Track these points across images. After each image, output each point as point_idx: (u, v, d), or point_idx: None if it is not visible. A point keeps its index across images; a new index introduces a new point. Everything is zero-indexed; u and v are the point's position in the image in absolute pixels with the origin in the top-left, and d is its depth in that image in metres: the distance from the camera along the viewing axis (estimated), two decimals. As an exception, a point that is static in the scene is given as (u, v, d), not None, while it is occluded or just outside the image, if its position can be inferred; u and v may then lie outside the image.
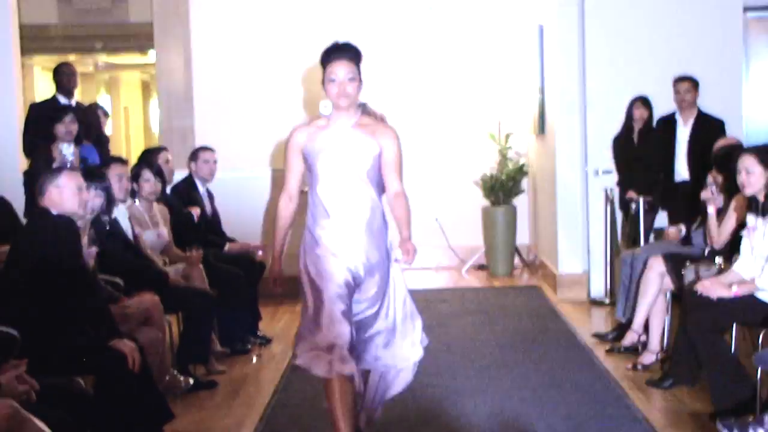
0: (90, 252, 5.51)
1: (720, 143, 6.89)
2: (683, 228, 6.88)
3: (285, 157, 4.76)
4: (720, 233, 6.13)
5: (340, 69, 4.59)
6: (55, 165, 7.33)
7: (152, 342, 5.73)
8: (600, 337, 7.25)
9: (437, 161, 10.58)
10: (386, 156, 4.65)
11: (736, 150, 6.32)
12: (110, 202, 6.10)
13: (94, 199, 5.78)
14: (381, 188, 4.70)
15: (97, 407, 4.54)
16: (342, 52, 4.63)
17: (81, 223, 5.34)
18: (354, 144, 4.63)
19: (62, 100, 8.39)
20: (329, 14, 10.29)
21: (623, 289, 7.05)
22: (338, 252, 4.63)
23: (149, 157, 7.56)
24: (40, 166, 7.34)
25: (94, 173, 6.03)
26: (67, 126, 7.63)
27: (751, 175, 5.45)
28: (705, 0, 8.55)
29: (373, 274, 4.69)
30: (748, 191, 5.49)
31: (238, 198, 9.44)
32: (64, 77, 8.53)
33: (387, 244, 4.75)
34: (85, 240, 5.49)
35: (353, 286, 4.66)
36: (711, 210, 6.24)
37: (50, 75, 9.00)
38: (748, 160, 5.48)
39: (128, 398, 4.77)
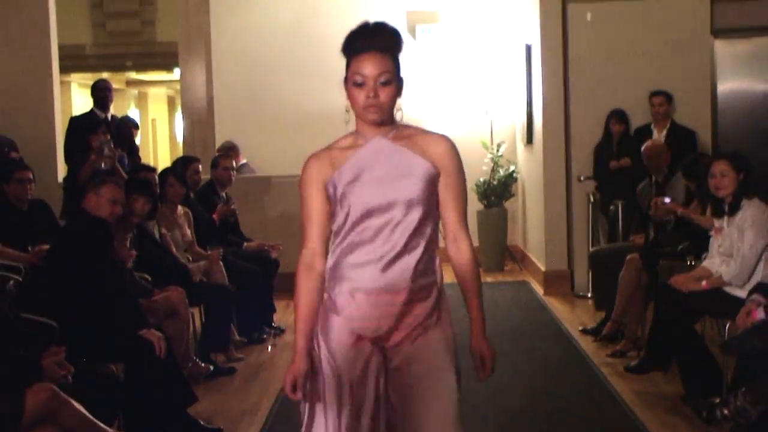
0: (130, 254, 5.56)
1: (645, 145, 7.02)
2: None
3: (301, 200, 2.92)
4: (708, 220, 6.06)
5: (370, 65, 2.82)
6: (94, 158, 7.38)
7: (177, 332, 5.76)
8: (586, 332, 7.19)
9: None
10: (445, 178, 2.88)
11: (702, 158, 6.36)
12: (155, 209, 6.15)
13: (144, 206, 5.86)
14: (434, 227, 2.90)
15: (127, 391, 4.56)
16: (372, 38, 2.85)
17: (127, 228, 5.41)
18: (400, 164, 2.85)
19: (99, 113, 8.42)
20: (342, 31, 10.29)
21: (598, 282, 7.06)
22: (369, 331, 2.83)
23: (178, 165, 7.60)
24: (83, 171, 7.38)
25: (143, 183, 6.07)
26: (100, 137, 7.66)
27: (724, 179, 5.40)
28: (678, 24, 8.57)
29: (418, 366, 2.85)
30: (722, 194, 5.43)
31: (256, 200, 9.46)
32: (100, 93, 8.55)
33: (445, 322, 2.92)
34: (127, 243, 5.55)
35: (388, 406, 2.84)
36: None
37: (85, 91, 9.05)
38: (721, 165, 5.42)
39: (155, 383, 4.80)
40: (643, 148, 7.18)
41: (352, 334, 2.82)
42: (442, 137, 2.93)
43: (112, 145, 7.55)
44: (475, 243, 11.13)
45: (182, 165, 7.57)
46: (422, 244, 2.83)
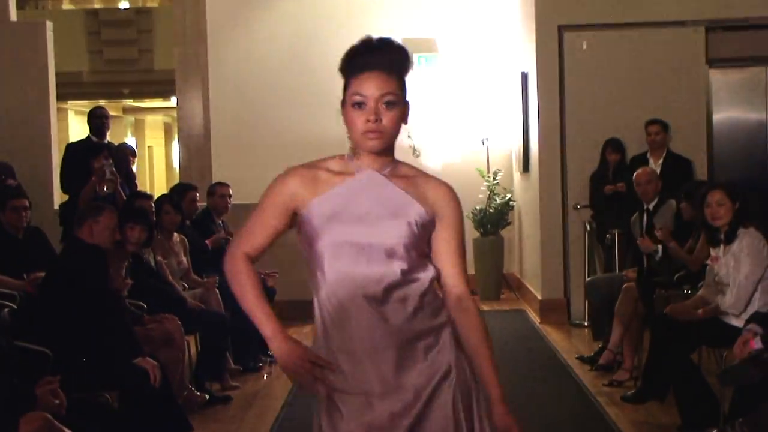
0: (126, 283, 5.55)
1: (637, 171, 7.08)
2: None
3: (258, 207, 2.58)
4: (695, 260, 6.11)
5: (372, 84, 2.47)
6: (95, 180, 7.41)
7: (172, 360, 5.73)
8: (583, 360, 7.17)
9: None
10: (443, 230, 2.55)
11: (702, 185, 6.37)
12: (150, 237, 6.14)
13: (140, 234, 5.84)
14: (428, 271, 2.53)
15: (121, 420, 4.54)
16: (376, 55, 2.50)
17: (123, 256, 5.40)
18: (390, 203, 2.50)
19: (95, 140, 8.43)
20: (338, 60, 10.33)
21: (594, 311, 7.06)
22: (373, 392, 2.45)
23: (174, 192, 7.61)
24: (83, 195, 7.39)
25: (139, 211, 6.07)
26: (101, 160, 7.66)
27: (720, 208, 5.40)
28: (673, 53, 8.62)
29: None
30: (718, 223, 5.44)
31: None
32: (97, 120, 8.56)
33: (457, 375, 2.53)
34: (123, 272, 5.54)
35: None
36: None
37: (82, 118, 9.07)
38: (717, 195, 5.43)
39: (150, 412, 4.78)
40: (635, 174, 7.20)
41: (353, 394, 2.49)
42: (443, 183, 2.61)
43: (114, 169, 7.55)
44: (471, 271, 11.16)
45: (179, 193, 7.58)
46: (415, 295, 2.49)
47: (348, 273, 2.45)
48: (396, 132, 2.52)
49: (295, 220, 2.55)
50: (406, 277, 2.46)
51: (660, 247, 6.51)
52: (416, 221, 2.49)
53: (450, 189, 2.60)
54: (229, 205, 7.93)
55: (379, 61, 2.49)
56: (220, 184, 8.08)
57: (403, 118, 2.52)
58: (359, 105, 2.47)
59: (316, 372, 2.45)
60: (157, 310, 6.01)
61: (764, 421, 4.39)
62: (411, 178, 2.56)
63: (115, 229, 5.28)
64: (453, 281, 2.56)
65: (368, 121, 2.46)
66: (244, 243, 2.59)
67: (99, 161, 7.57)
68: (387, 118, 2.47)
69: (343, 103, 2.53)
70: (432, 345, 2.49)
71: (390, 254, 2.46)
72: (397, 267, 2.46)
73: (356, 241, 2.45)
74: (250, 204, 9.08)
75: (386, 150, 2.53)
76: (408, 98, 2.54)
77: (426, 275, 2.51)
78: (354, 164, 2.54)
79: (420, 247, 2.51)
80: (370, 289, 2.44)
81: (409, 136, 2.40)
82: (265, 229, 2.57)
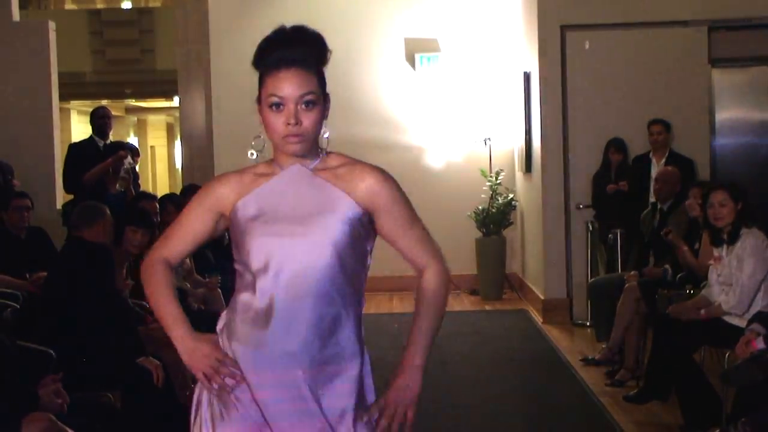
0: (126, 284, 5.56)
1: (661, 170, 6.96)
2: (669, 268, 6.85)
3: (182, 213, 2.53)
4: (701, 266, 6.10)
5: (289, 84, 2.34)
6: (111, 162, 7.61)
7: (175, 360, 5.71)
8: (587, 362, 7.15)
9: (434, 197, 10.58)
10: (387, 217, 2.39)
11: (706, 185, 6.37)
12: (152, 240, 6.13)
13: (143, 237, 5.80)
14: (358, 284, 2.40)
15: (124, 420, 4.54)
16: (291, 49, 2.36)
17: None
18: (316, 199, 2.36)
19: (98, 140, 8.45)
20: (340, 59, 10.33)
21: (597, 312, 7.05)
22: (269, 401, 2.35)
23: (181, 193, 7.64)
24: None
25: (142, 214, 6.06)
26: (128, 157, 7.83)
27: (723, 209, 5.41)
28: (676, 53, 8.61)
29: None
30: (720, 223, 5.44)
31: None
32: (100, 120, 8.58)
33: (357, 385, 2.38)
34: (123, 273, 5.54)
35: None
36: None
37: (85, 118, 9.10)
38: (720, 195, 5.43)
39: (153, 412, 4.77)
40: (658, 172, 7.17)
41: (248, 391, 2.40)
42: (370, 169, 2.39)
43: (128, 168, 7.62)
44: (474, 271, 11.14)
45: (192, 193, 7.58)
46: (331, 304, 2.32)
47: (274, 275, 2.31)
48: (318, 131, 2.36)
49: (218, 228, 2.47)
50: (330, 287, 2.30)
51: (669, 267, 6.53)
52: (348, 216, 2.33)
53: (377, 173, 2.39)
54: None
55: (295, 55, 2.33)
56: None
57: (324, 114, 2.37)
58: (276, 106, 2.34)
59: (221, 370, 2.39)
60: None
61: (767, 421, 4.40)
62: (338, 169, 2.38)
63: (111, 230, 5.28)
64: (414, 254, 2.42)
65: (288, 124, 2.32)
66: (162, 247, 2.50)
67: (125, 156, 7.63)
68: (307, 119, 2.33)
69: (259, 100, 2.40)
70: (337, 374, 2.34)
71: (319, 254, 2.31)
72: (322, 269, 2.30)
73: (282, 240, 2.31)
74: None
75: (310, 151, 2.39)
76: (327, 90, 2.39)
77: (347, 304, 2.34)
78: (278, 166, 2.41)
79: (356, 246, 2.35)
80: (297, 293, 2.30)
81: (325, 133, 2.23)
82: (186, 234, 2.47)
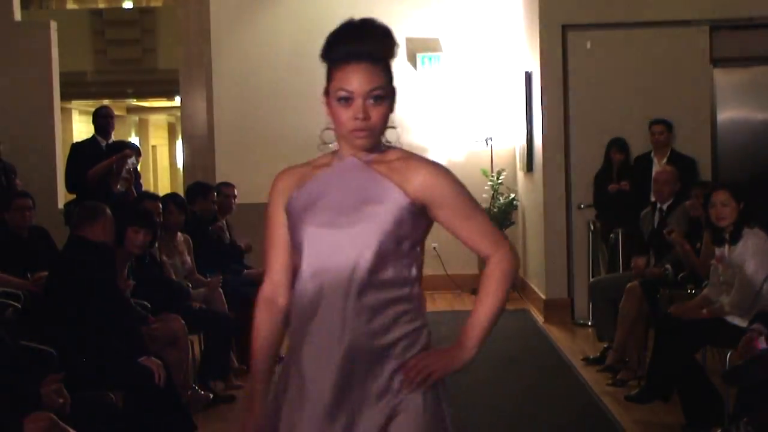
0: (128, 284, 5.56)
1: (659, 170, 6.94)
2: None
3: (265, 222, 2.51)
4: (703, 265, 6.10)
5: (358, 78, 2.31)
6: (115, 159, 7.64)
7: (177, 360, 5.74)
8: (589, 361, 7.16)
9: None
10: (447, 215, 2.38)
11: (708, 186, 6.37)
12: (155, 239, 6.13)
13: (145, 238, 5.79)
14: (406, 274, 2.37)
15: (126, 419, 4.54)
16: (360, 43, 2.32)
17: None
18: (365, 193, 2.34)
19: (100, 140, 8.45)
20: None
21: (598, 312, 7.05)
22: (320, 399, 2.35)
23: (194, 191, 7.64)
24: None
25: (144, 214, 6.05)
26: (131, 156, 7.87)
27: (725, 208, 5.41)
28: (678, 53, 8.61)
29: None
30: (723, 223, 5.43)
31: (257, 227, 9.45)
32: (102, 120, 8.58)
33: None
34: (125, 273, 5.54)
35: None
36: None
37: (86, 117, 9.11)
38: (722, 195, 5.43)
39: (155, 411, 4.78)
40: (656, 171, 7.17)
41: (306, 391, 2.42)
42: (426, 163, 2.39)
43: (131, 168, 7.63)
44: (475, 270, 11.12)
45: (198, 192, 7.59)
46: (386, 297, 2.33)
47: (321, 265, 2.31)
48: (385, 125, 2.37)
49: None
50: (375, 277, 2.30)
51: (670, 267, 6.53)
52: (396, 207, 2.31)
53: (432, 167, 2.38)
54: (234, 206, 7.94)
55: (364, 49, 2.31)
56: (224, 184, 8.09)
57: (391, 108, 2.37)
58: (345, 100, 2.31)
59: None
60: (161, 303, 6.01)
61: (769, 421, 4.40)
62: (394, 162, 2.37)
63: (112, 229, 5.28)
64: (482, 247, 2.45)
65: (356, 119, 2.31)
66: (270, 270, 2.50)
67: (130, 155, 7.64)
68: (375, 114, 2.32)
69: (326, 92, 2.37)
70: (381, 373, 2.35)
71: (362, 244, 2.29)
72: (368, 259, 2.29)
73: (328, 231, 2.31)
74: (253, 203, 9.09)
75: (376, 145, 2.39)
76: (395, 84, 2.37)
77: (406, 275, 2.35)
78: (338, 158, 2.41)
79: (404, 238, 2.34)
80: (341, 283, 2.30)
81: (395, 127, 2.23)
82: (278, 246, 2.47)
